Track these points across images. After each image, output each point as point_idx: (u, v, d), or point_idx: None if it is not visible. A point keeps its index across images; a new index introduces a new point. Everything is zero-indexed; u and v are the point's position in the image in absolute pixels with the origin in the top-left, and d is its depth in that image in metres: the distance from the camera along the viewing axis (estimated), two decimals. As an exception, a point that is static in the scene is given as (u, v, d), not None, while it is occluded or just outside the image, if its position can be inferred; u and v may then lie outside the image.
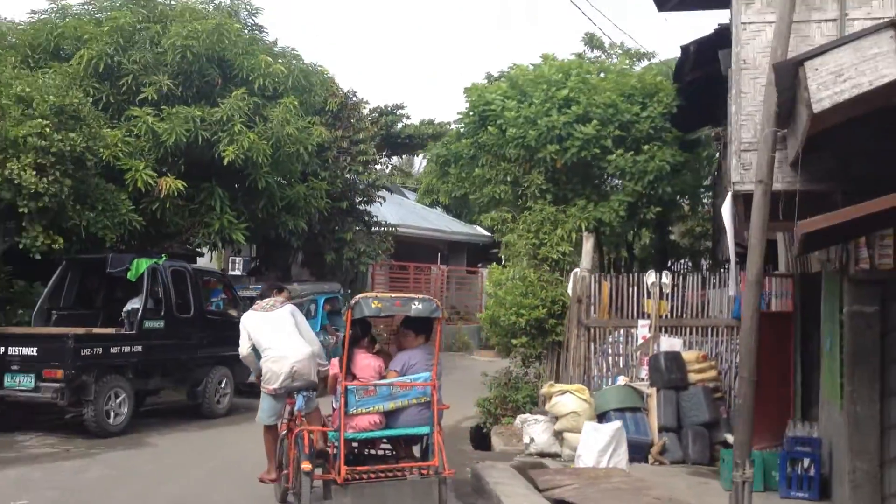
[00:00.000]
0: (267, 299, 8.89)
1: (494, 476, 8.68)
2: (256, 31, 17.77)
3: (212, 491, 8.99)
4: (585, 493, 7.90)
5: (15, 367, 11.46)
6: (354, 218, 19.85)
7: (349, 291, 18.26)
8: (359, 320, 7.99)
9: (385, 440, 8.38)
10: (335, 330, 13.62)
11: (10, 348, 11.54)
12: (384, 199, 21.43)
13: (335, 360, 8.38)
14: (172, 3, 16.76)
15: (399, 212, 25.26)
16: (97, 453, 10.68)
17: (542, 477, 8.53)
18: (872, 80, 4.64)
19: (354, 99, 20.84)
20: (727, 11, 9.03)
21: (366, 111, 22.53)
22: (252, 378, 9.16)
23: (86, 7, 16.85)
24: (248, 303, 11.30)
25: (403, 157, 40.38)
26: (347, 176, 19.50)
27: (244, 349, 8.54)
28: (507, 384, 12.69)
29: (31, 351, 11.44)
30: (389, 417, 7.96)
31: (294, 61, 17.27)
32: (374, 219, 20.71)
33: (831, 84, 4.69)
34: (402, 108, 30.96)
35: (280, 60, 16.64)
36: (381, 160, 30.40)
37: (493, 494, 8.19)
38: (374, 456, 8.43)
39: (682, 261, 19.76)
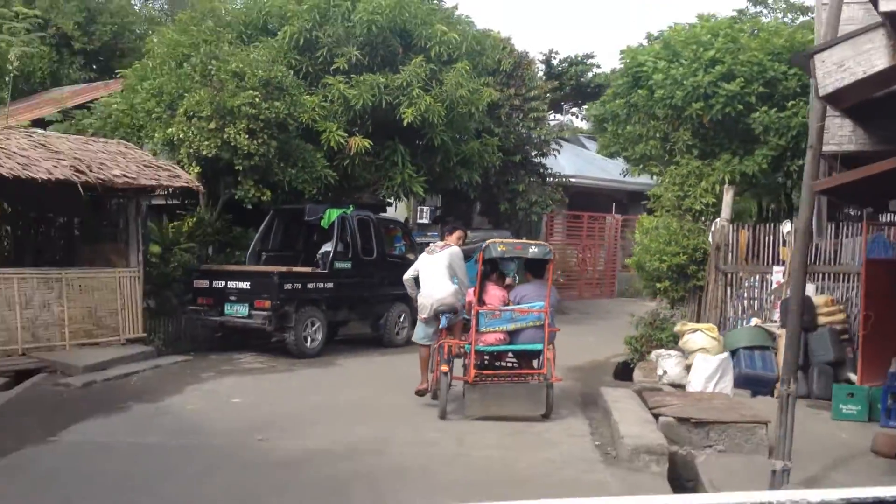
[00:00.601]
0: (434, 243, 11.19)
1: (613, 395, 10.28)
2: (434, 2, 19.50)
3: (382, 397, 11.16)
4: (684, 409, 9.30)
5: (233, 298, 13.99)
6: (528, 170, 21.39)
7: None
8: (489, 260, 10.05)
9: (510, 354, 10.47)
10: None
11: (229, 283, 14.08)
12: (558, 151, 22.76)
13: (471, 290, 10.26)
14: None
15: (577, 162, 26.46)
16: (296, 370, 13.06)
17: (653, 398, 9.97)
18: (866, 69, 5.70)
19: (528, 58, 22.21)
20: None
21: (540, 70, 23.80)
22: None
23: None
24: (423, 248, 13.31)
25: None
26: (522, 131, 21.01)
27: (407, 275, 10.90)
28: (652, 324, 13.93)
29: (245, 285, 13.91)
30: (512, 336, 10.11)
31: (468, 28, 18.92)
32: (549, 170, 22.14)
33: (834, 73, 5.79)
34: (592, 57, 31.42)
35: (457, 28, 18.32)
36: (568, 112, 31.42)
37: (606, 407, 9.82)
38: (502, 367, 10.51)
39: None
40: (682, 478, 8.34)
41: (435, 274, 10.50)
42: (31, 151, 12.60)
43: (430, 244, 11.45)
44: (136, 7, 33.59)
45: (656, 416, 9.27)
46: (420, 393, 10.59)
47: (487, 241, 10.15)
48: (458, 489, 7.39)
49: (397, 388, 11.37)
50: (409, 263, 12.31)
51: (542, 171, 22.00)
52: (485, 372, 10.07)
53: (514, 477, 7.87)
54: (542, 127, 21.58)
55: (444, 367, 9.92)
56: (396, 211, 21.91)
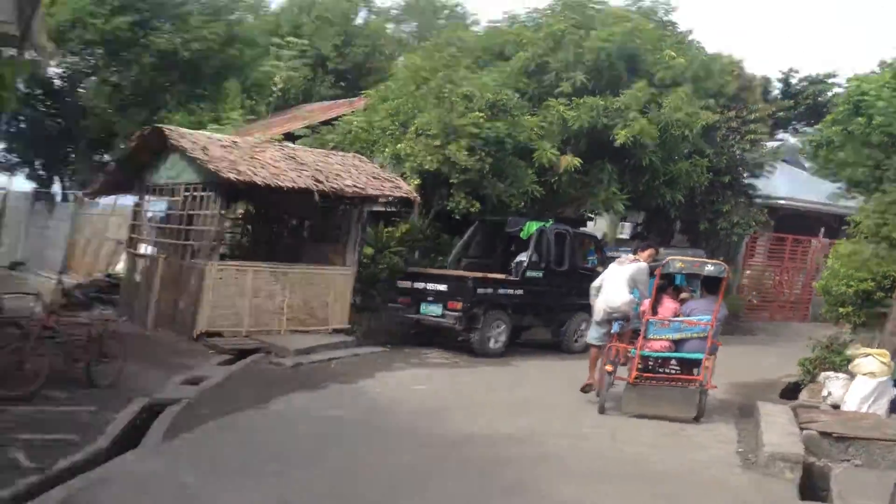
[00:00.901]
0: (626, 255, 12.38)
1: (767, 409, 10.80)
2: (669, 28, 20.26)
3: (550, 395, 12.32)
4: (828, 424, 9.71)
5: (430, 299, 15.50)
6: (735, 191, 21.44)
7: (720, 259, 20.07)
8: (666, 274, 11.18)
9: (674, 361, 11.34)
10: (690, 290, 15.83)
11: (427, 284, 15.62)
12: (770, 173, 22.58)
13: (647, 300, 11.24)
14: (601, 7, 19.87)
15: (792, 183, 25.82)
16: (476, 367, 14.41)
17: (805, 414, 10.33)
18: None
19: (755, 81, 22.25)
20: None
21: (776, 90, 23.63)
22: None
23: (531, 15, 20.63)
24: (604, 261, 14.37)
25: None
26: (736, 152, 21.14)
27: (595, 282, 12.12)
28: (828, 347, 13.92)
29: (442, 287, 15.36)
30: (677, 344, 11.13)
31: (697, 52, 19.59)
32: (758, 192, 22.12)
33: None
34: (834, 76, 30.26)
35: (687, 53, 19.03)
36: (800, 131, 30.78)
37: (757, 419, 10.44)
38: (665, 373, 11.39)
39: None
40: (816, 487, 8.80)
41: (616, 282, 11.64)
42: (281, 163, 14.90)
43: (622, 256, 12.46)
44: (388, 30, 36.57)
45: (802, 430, 9.70)
46: (585, 389, 11.71)
47: (668, 258, 11.32)
48: (598, 478, 8.41)
49: (566, 388, 12.35)
50: (598, 275, 13.25)
51: (750, 192, 21.98)
52: (645, 374, 11.07)
53: (652, 472, 8.78)
54: (758, 149, 21.57)
55: (609, 367, 11.10)
56: (596, 225, 22.70)
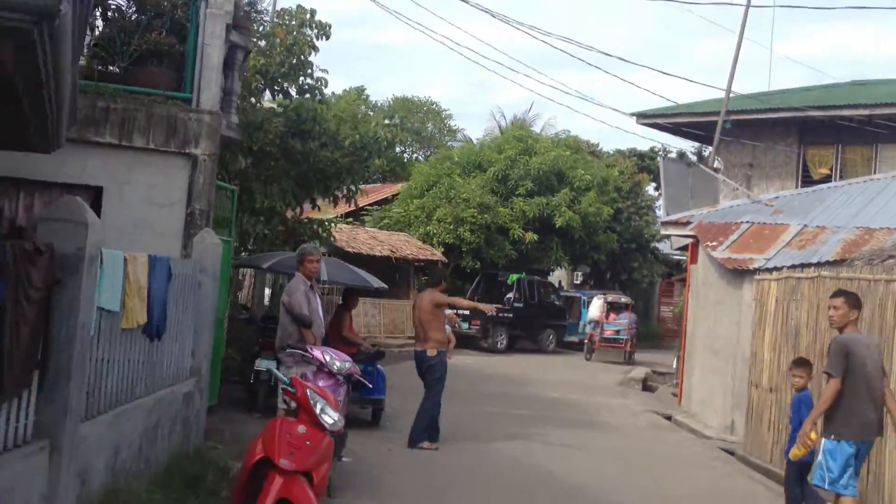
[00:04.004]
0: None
1: (638, 368, 22.03)
2: (577, 155, 31.83)
3: (537, 373, 23.21)
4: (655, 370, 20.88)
5: (462, 319, 26.29)
6: (642, 253, 33.08)
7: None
8: (609, 302, 22.29)
9: (613, 338, 22.51)
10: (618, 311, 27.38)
11: (458, 311, 26.40)
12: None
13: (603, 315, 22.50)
14: (537, 138, 31.41)
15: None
16: (489, 357, 25.08)
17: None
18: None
19: (641, 180, 33.96)
20: None
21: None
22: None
23: (495, 140, 32.05)
24: (566, 300, 25.90)
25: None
26: (639, 226, 32.72)
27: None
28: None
29: (466, 312, 26.13)
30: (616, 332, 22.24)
31: (598, 170, 31.05)
32: (659, 253, 33.69)
33: None
34: None
35: (591, 170, 30.48)
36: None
37: (635, 371, 21.69)
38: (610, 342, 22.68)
39: None
40: (650, 389, 19.80)
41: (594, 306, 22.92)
42: (370, 240, 25.61)
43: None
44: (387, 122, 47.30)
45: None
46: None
47: (599, 295, 22.88)
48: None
49: (557, 366, 23.24)
50: (556, 307, 24.37)
51: (653, 252, 33.54)
52: (604, 344, 22.36)
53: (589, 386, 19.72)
54: (651, 224, 33.20)
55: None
56: (556, 274, 34.11)
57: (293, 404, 6.11)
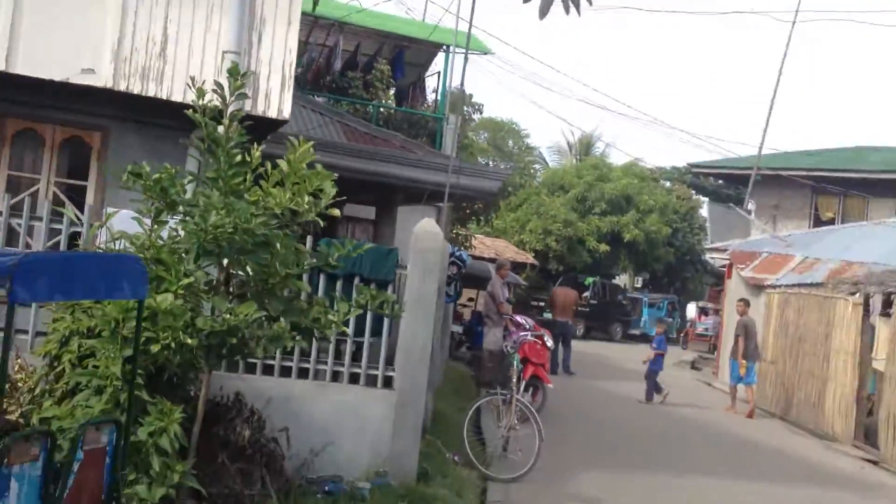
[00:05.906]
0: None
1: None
2: (647, 181, 38.72)
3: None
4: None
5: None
6: (694, 264, 39.97)
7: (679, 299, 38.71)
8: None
9: None
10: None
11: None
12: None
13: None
14: (611, 166, 38.51)
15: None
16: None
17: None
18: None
19: (698, 202, 40.84)
20: None
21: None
22: None
23: (573, 167, 39.22)
24: (631, 300, 33.06)
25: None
26: (691, 242, 39.65)
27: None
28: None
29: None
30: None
31: (660, 195, 37.96)
32: (708, 264, 40.50)
33: None
34: None
35: (655, 195, 37.41)
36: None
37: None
38: None
39: None
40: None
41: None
42: (478, 244, 32.84)
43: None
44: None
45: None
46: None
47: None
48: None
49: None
50: (623, 305, 31.40)
51: (703, 265, 40.37)
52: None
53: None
54: (702, 242, 40.02)
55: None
56: (621, 278, 41.24)
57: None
